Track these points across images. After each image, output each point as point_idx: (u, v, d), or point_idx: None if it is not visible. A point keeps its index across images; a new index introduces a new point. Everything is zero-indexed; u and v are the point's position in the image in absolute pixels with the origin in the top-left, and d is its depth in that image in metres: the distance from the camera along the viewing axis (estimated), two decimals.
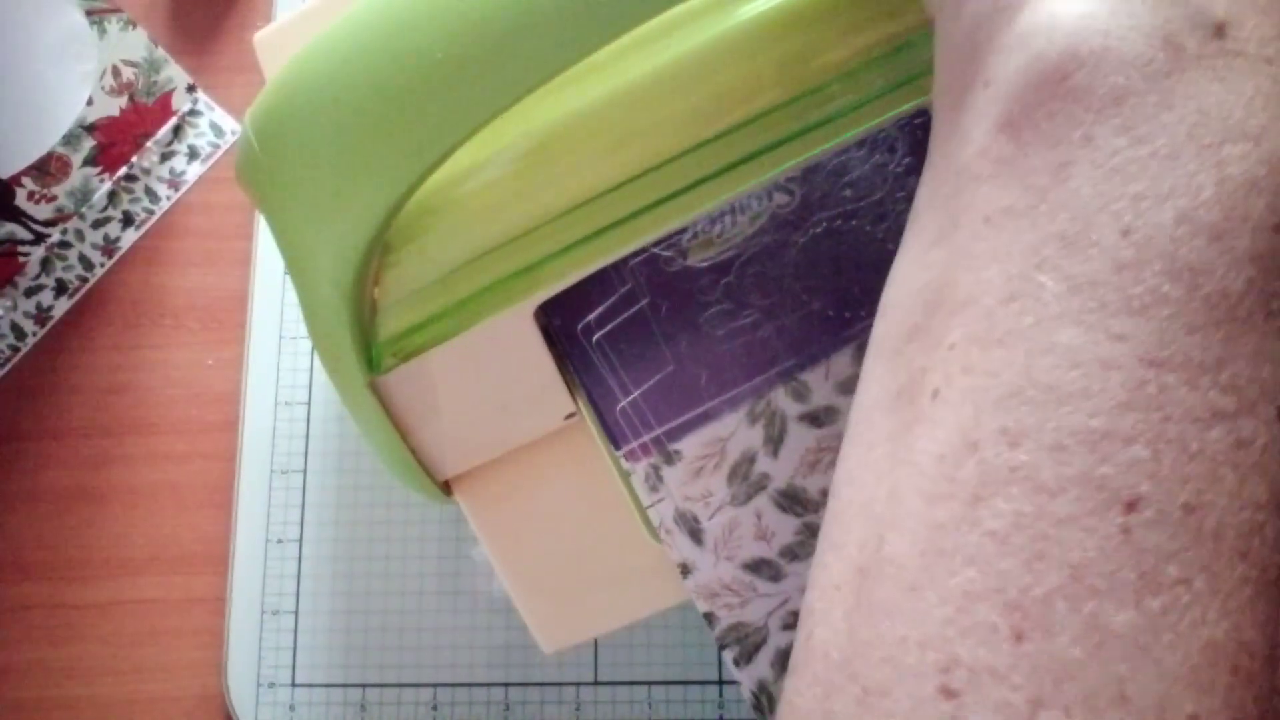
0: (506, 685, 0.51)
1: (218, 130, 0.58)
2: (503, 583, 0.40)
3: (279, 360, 0.55)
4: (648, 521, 0.37)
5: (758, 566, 0.35)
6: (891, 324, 0.24)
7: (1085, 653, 0.19)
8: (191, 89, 0.58)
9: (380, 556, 0.53)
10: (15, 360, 0.55)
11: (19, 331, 0.56)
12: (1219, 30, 0.20)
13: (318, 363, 0.55)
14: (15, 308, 0.56)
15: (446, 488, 0.40)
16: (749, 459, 0.35)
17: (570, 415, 0.38)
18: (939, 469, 0.21)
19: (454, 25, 0.29)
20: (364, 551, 0.53)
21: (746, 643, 0.35)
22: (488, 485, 0.40)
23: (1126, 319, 0.20)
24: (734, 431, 0.35)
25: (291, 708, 0.51)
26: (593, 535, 0.39)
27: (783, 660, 0.34)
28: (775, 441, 0.35)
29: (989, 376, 0.21)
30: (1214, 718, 0.19)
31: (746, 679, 0.35)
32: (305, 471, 0.54)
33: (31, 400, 0.55)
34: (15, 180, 0.52)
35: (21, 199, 0.53)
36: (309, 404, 0.54)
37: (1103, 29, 0.20)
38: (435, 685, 0.51)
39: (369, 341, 0.35)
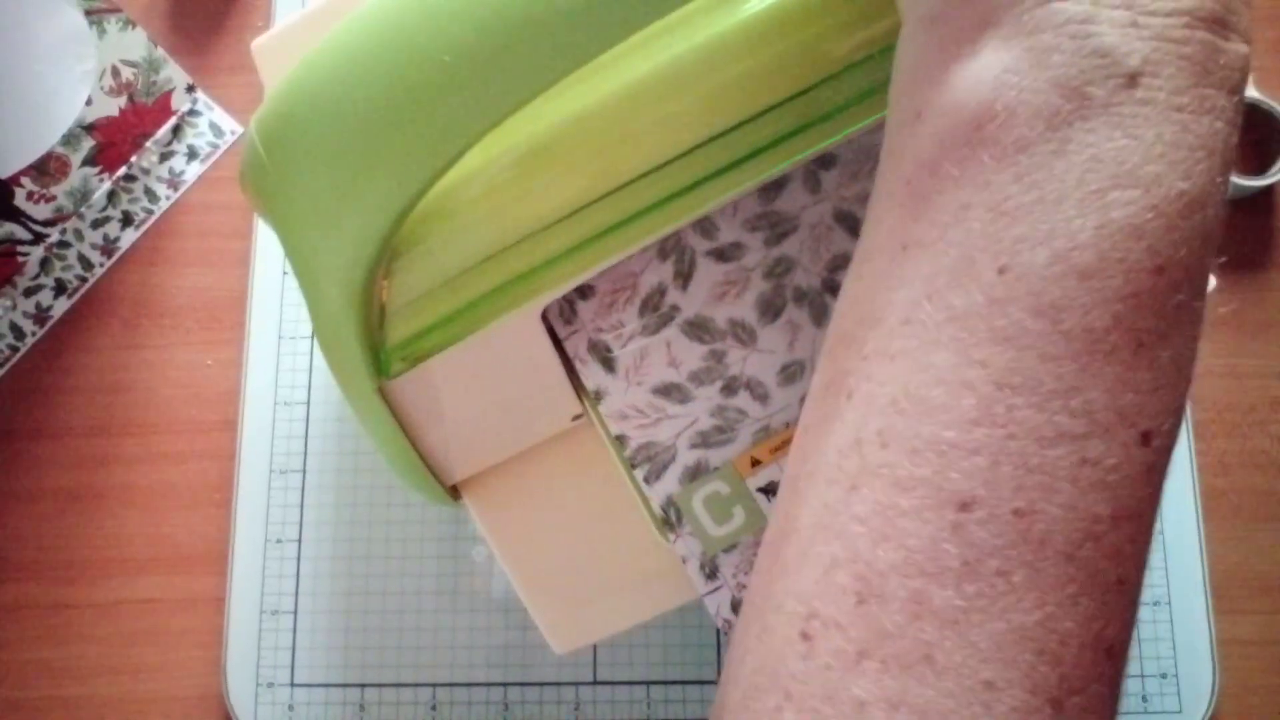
0: (505, 685, 0.51)
1: (217, 130, 0.58)
2: (513, 584, 0.40)
3: (278, 360, 0.55)
4: (653, 515, 0.38)
5: (667, 390, 0.37)
6: (835, 328, 0.27)
7: (905, 619, 0.22)
8: (191, 89, 0.58)
9: (379, 556, 0.53)
10: (14, 360, 0.55)
11: (18, 331, 0.56)
12: (1131, 80, 0.21)
13: (317, 362, 0.55)
14: (14, 307, 0.56)
15: (454, 492, 0.40)
16: (659, 292, 0.37)
17: (577, 417, 0.39)
18: (836, 459, 0.25)
19: (462, 28, 0.29)
20: (363, 551, 0.53)
21: (656, 461, 0.37)
22: (496, 489, 0.40)
23: (989, 347, 0.22)
24: (645, 267, 0.37)
25: (290, 707, 0.51)
26: (601, 536, 0.40)
27: (690, 475, 0.37)
28: (685, 276, 0.37)
29: (880, 386, 0.24)
30: (1010, 686, 0.22)
31: (656, 495, 0.37)
32: (304, 471, 0.54)
33: (31, 400, 0.55)
34: (14, 180, 0.52)
35: (21, 199, 0.53)
36: (308, 404, 0.54)
37: (1018, 83, 0.22)
38: (434, 685, 0.51)
39: (377, 347, 0.35)
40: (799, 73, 0.34)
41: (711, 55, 0.34)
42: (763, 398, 0.37)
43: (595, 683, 0.51)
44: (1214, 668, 0.51)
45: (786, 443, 0.36)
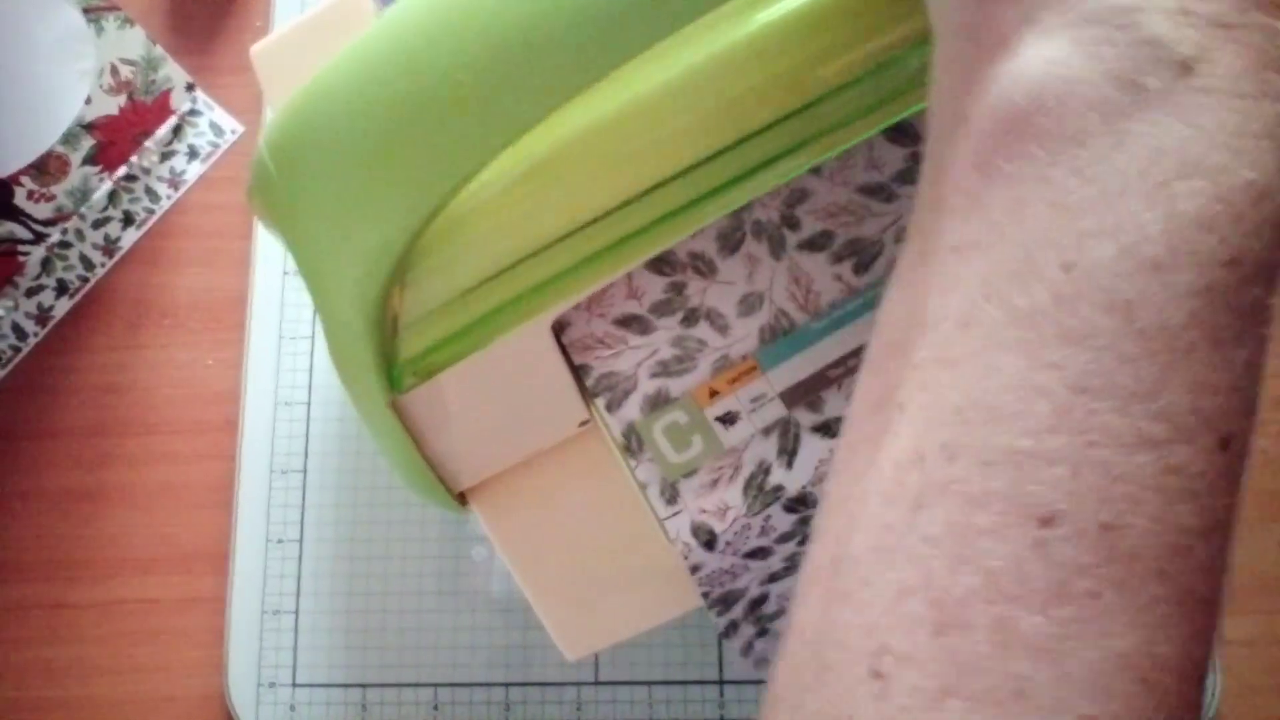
0: (507, 685, 0.51)
1: (218, 129, 0.58)
2: (522, 591, 0.40)
3: (279, 360, 0.55)
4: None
5: (628, 322, 0.38)
6: (878, 338, 0.25)
7: (992, 650, 0.20)
8: (191, 88, 0.58)
9: (380, 556, 0.53)
10: (16, 360, 0.55)
11: (20, 332, 0.56)
12: (1185, 68, 0.20)
13: (317, 362, 0.55)
14: (16, 308, 0.56)
15: (462, 499, 0.40)
16: None
17: (584, 423, 0.39)
18: (894, 475, 0.23)
19: (477, 44, 0.29)
20: (364, 551, 0.53)
21: (617, 390, 0.38)
22: (503, 495, 0.40)
23: (1062, 348, 0.21)
24: None
25: (292, 708, 0.51)
26: (610, 541, 0.40)
27: (650, 405, 0.37)
28: None
29: (940, 394, 0.22)
30: None
31: (617, 422, 0.37)
32: (305, 471, 0.54)
33: (32, 400, 0.55)
34: (14, 179, 0.52)
35: (21, 198, 0.53)
36: (309, 404, 0.54)
37: (1067, 75, 0.21)
38: (435, 685, 0.51)
39: (390, 362, 0.35)
40: (802, 89, 0.34)
41: (723, 67, 0.34)
42: (722, 328, 0.38)
43: (597, 683, 0.51)
44: (1213, 668, 0.51)
45: (743, 374, 0.37)
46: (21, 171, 0.52)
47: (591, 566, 0.40)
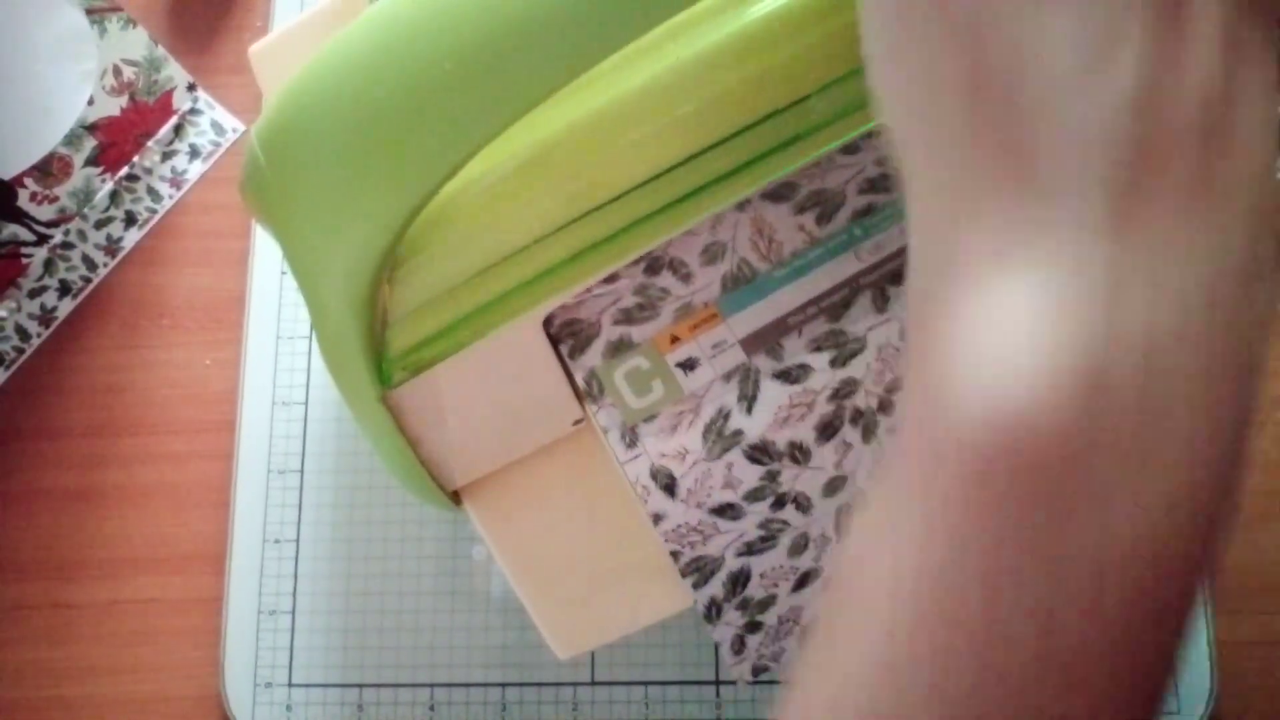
0: (504, 685, 0.51)
1: (219, 129, 0.58)
2: (514, 589, 0.40)
3: (276, 360, 0.55)
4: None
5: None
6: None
7: None
8: (192, 87, 0.58)
9: (377, 556, 0.53)
10: (20, 362, 0.56)
11: (23, 333, 0.56)
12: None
13: (315, 363, 0.55)
14: (19, 309, 0.56)
15: (455, 498, 0.40)
16: None
17: (578, 422, 0.39)
18: None
19: (464, 34, 0.29)
20: (361, 551, 0.53)
21: (580, 336, 0.38)
22: (497, 495, 0.40)
23: None
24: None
25: (288, 708, 0.51)
26: (603, 540, 0.40)
27: (612, 350, 0.38)
28: None
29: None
30: None
31: (579, 369, 0.38)
32: (302, 471, 0.54)
33: (33, 401, 0.55)
34: (17, 181, 0.52)
35: (24, 200, 0.53)
36: (306, 404, 0.54)
37: (1033, 409, 0.20)
38: (432, 685, 0.51)
39: (380, 356, 0.35)
40: (804, 76, 0.34)
41: (711, 62, 0.34)
42: (685, 277, 0.38)
43: (594, 683, 0.51)
44: (1213, 668, 0.50)
45: (704, 321, 0.38)
46: (25, 173, 0.52)
47: (584, 566, 0.40)
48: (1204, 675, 0.50)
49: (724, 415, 0.37)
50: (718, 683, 0.51)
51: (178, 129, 0.58)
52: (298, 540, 0.53)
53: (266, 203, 0.33)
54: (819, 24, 0.34)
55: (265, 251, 0.56)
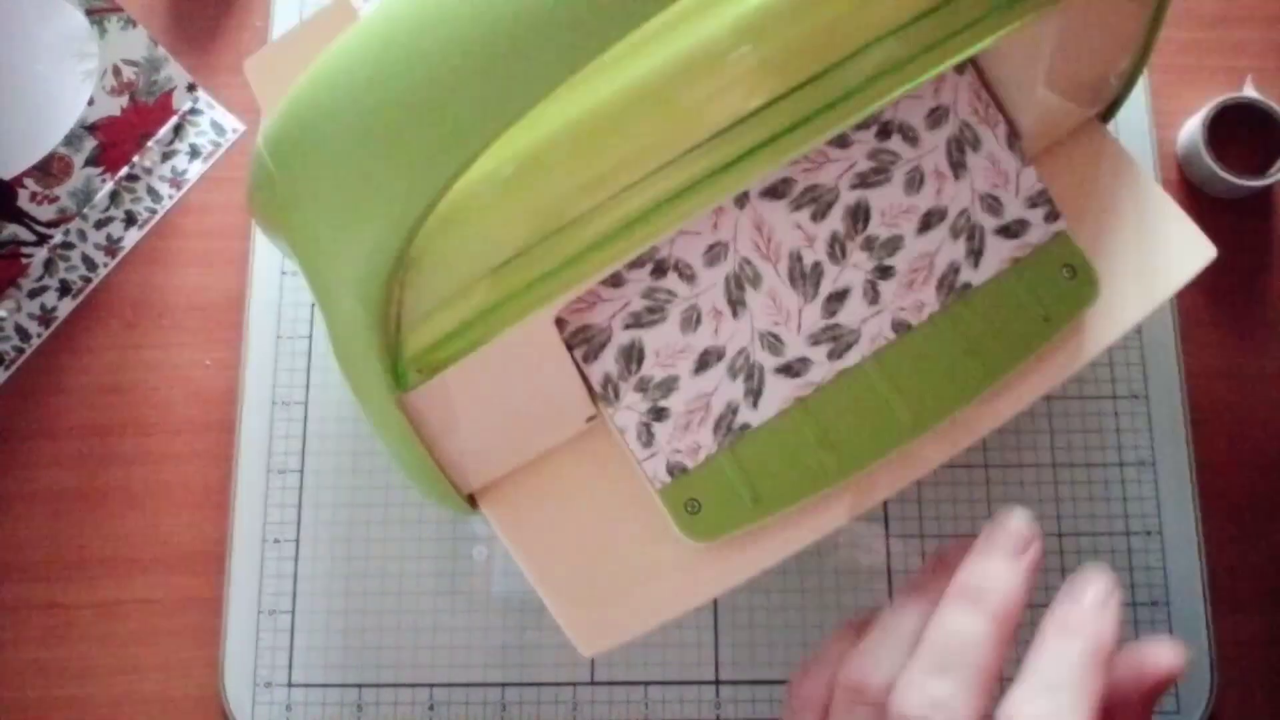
0: (503, 685, 0.51)
1: (219, 128, 0.58)
2: (536, 589, 0.40)
3: (276, 360, 0.55)
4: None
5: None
6: None
7: None
8: (192, 88, 0.58)
9: (377, 556, 0.53)
10: (20, 362, 0.56)
11: (24, 333, 0.56)
12: None
13: (315, 363, 0.55)
14: (19, 309, 0.56)
15: (472, 501, 0.40)
16: None
17: (591, 419, 0.39)
18: None
19: (469, 28, 0.29)
20: (361, 551, 0.53)
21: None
22: (513, 496, 0.40)
23: None
24: None
25: (288, 707, 0.51)
26: (621, 536, 0.40)
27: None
28: None
29: None
30: None
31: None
32: (302, 471, 0.54)
33: (34, 401, 0.55)
34: (17, 181, 0.52)
35: (24, 200, 0.53)
36: (306, 404, 0.54)
37: None
38: (432, 685, 0.51)
39: (395, 358, 0.35)
40: (806, 57, 0.34)
41: (719, 48, 0.34)
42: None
43: (593, 683, 0.51)
44: (1212, 668, 0.50)
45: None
46: (25, 174, 0.52)
47: (603, 565, 0.40)
48: (1203, 675, 0.50)
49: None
50: (718, 683, 0.51)
51: (178, 129, 0.58)
52: (297, 540, 0.53)
53: (276, 209, 0.33)
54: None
55: (265, 251, 0.56)
